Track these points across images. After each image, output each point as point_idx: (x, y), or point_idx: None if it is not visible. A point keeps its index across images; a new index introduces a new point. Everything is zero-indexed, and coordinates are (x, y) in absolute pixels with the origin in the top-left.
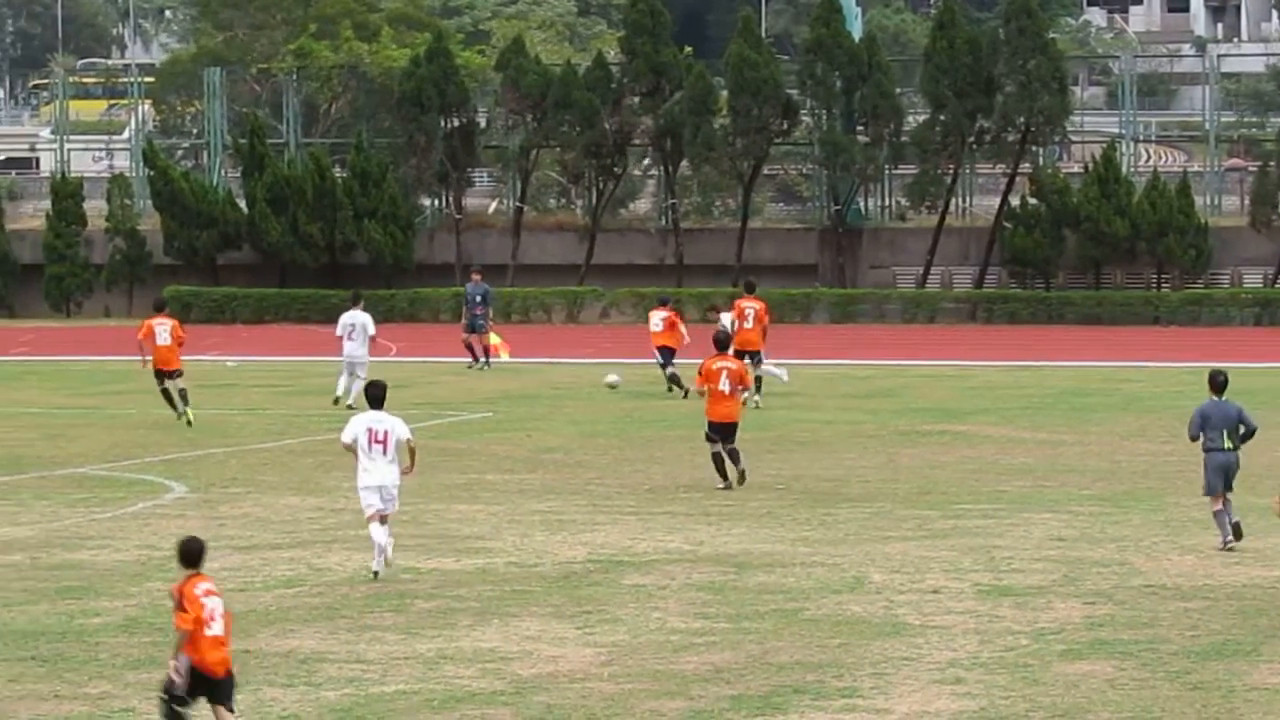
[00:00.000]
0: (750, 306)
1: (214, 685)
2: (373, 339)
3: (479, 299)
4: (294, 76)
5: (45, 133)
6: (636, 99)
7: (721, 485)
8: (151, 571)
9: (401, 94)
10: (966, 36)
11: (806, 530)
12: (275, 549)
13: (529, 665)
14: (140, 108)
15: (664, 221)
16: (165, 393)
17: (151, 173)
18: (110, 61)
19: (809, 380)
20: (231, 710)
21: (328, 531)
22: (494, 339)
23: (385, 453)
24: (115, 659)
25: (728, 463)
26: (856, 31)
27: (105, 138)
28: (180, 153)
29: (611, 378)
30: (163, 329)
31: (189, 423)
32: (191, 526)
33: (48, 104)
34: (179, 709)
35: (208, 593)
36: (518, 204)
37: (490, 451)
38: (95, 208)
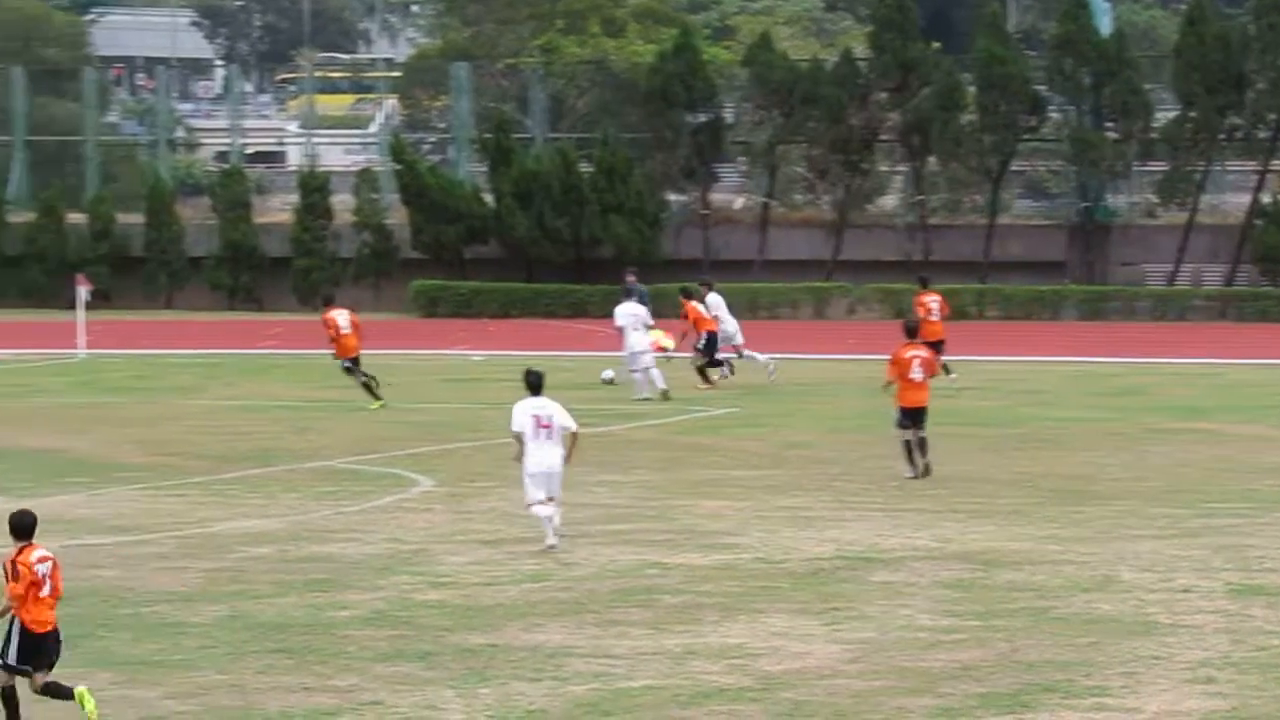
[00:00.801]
0: (931, 300)
1: (39, 643)
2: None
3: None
4: (540, 72)
5: (292, 126)
6: (883, 94)
7: (910, 474)
8: (398, 565)
9: (648, 89)
10: (1217, 32)
11: (1055, 528)
12: (521, 543)
13: (776, 661)
14: (387, 102)
15: (911, 218)
16: (365, 385)
17: (399, 167)
18: (353, 55)
19: (1057, 378)
20: (47, 672)
21: (573, 526)
22: (655, 335)
23: (550, 437)
24: (363, 651)
25: (916, 452)
26: (1104, 27)
27: (353, 132)
28: (427, 147)
29: (607, 373)
30: (343, 318)
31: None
32: (438, 520)
33: (294, 98)
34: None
35: (40, 559)
36: (765, 199)
37: (736, 447)
38: (342, 202)
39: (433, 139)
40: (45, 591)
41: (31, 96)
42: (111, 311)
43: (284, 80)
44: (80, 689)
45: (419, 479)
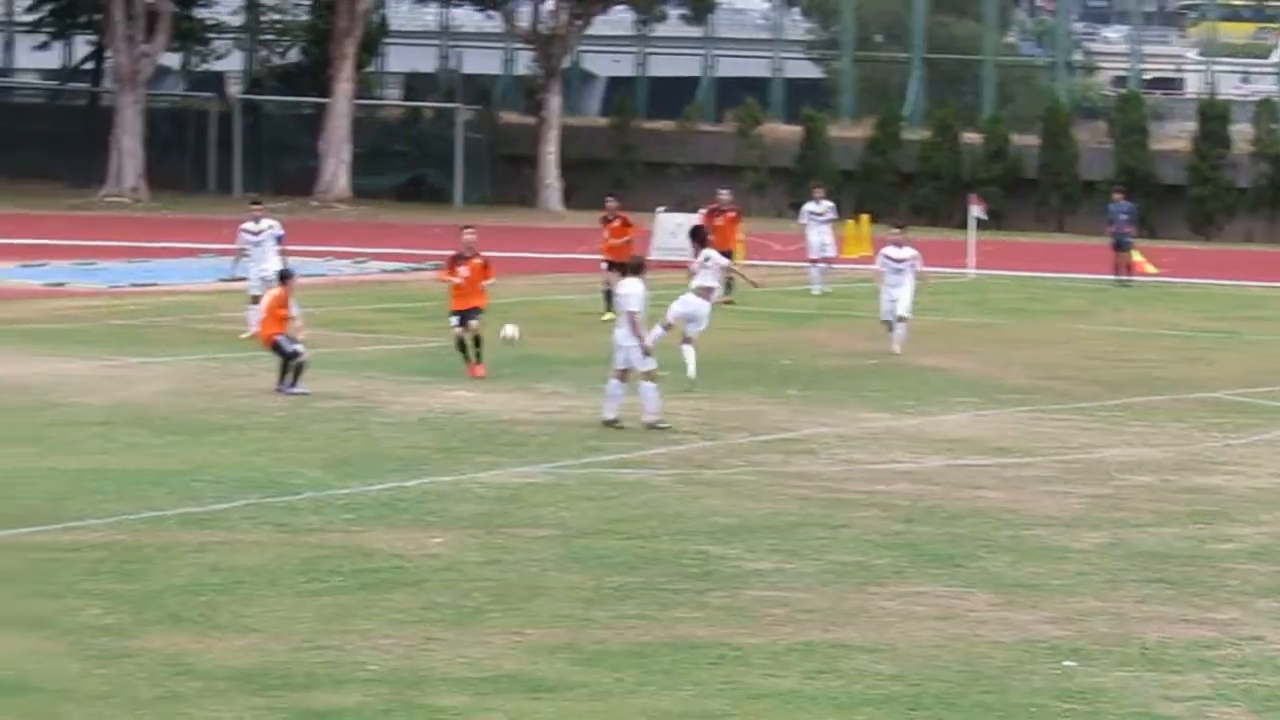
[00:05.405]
0: None
1: None
2: None
3: (1123, 216)
4: None
5: (1192, 53)
6: None
7: None
8: None
9: None
10: None
11: None
12: None
13: None
14: None
15: None
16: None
17: None
18: None
19: None
20: None
21: None
22: (1137, 256)
23: None
24: (1245, 585)
25: None
26: None
27: (1254, 61)
28: None
29: (509, 330)
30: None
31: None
32: None
33: (1195, 24)
34: None
35: None
36: None
37: None
38: (1241, 131)
39: None
40: None
41: (932, 14)
42: (1002, 233)
43: (1186, 6)
44: None
45: None
